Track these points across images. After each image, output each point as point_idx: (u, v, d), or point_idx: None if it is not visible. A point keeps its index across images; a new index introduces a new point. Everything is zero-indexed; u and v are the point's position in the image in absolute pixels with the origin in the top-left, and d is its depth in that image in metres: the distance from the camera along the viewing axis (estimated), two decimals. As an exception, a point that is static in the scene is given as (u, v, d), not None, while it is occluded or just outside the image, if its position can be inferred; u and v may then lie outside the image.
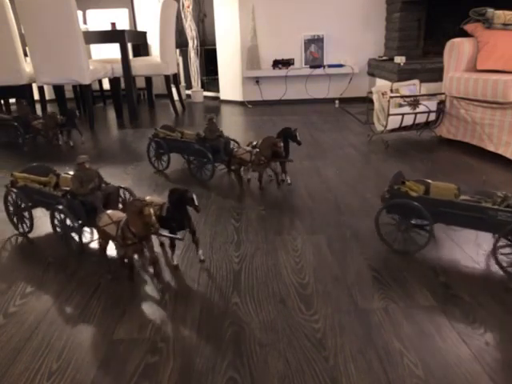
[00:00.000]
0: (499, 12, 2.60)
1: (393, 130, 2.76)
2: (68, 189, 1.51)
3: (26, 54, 3.62)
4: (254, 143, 2.10)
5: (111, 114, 4.42)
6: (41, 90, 3.62)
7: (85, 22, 4.97)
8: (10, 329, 1.12)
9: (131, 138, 3.27)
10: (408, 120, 2.69)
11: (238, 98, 4.78)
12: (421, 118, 2.71)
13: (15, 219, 1.67)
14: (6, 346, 1.05)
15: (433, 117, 2.75)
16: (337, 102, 4.45)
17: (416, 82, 2.92)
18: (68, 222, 1.46)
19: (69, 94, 4.65)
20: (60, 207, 1.45)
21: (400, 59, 3.70)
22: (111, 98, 4.43)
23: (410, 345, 1.00)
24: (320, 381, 0.91)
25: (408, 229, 1.43)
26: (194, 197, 1.30)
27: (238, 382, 0.92)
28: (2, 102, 4.17)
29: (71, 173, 1.60)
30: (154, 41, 5.14)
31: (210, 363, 0.97)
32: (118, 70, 3.92)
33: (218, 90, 5.08)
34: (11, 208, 1.66)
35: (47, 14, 3.26)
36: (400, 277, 1.28)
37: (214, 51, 4.90)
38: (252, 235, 1.58)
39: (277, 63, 4.50)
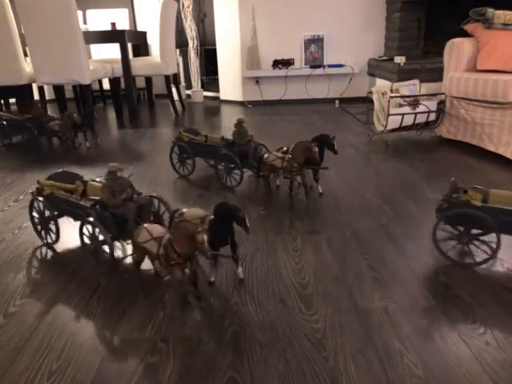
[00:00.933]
0: (499, 12, 2.60)
1: (393, 130, 2.76)
2: (96, 198, 1.41)
3: (26, 54, 3.62)
4: (285, 149, 1.97)
5: (111, 114, 4.43)
6: (41, 90, 3.62)
7: (85, 22, 4.97)
8: (9, 329, 1.12)
9: (131, 138, 3.27)
10: (408, 120, 2.69)
11: (238, 98, 4.78)
12: (421, 118, 2.71)
13: (40, 229, 1.56)
14: (5, 346, 1.05)
15: (433, 117, 2.75)
16: (337, 101, 4.45)
17: (416, 81, 2.92)
18: (99, 235, 1.35)
19: (69, 93, 4.65)
20: (90, 219, 1.33)
21: (400, 59, 3.70)
22: (111, 97, 4.43)
23: (410, 345, 1.00)
24: (320, 381, 0.91)
25: (471, 241, 1.32)
26: (246, 217, 1.18)
27: (238, 381, 0.92)
28: (3, 101, 4.16)
29: (98, 179, 1.55)
30: (154, 41, 5.14)
31: (209, 363, 0.97)
32: (118, 70, 3.92)
33: (218, 90, 5.08)
34: (36, 217, 1.56)
35: (47, 14, 3.26)
36: (400, 277, 1.28)
37: (214, 51, 4.90)
38: (252, 235, 1.58)
39: (277, 63, 4.50)
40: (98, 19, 4.94)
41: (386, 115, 2.68)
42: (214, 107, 4.68)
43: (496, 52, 2.55)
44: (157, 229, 1.18)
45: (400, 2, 3.94)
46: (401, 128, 2.73)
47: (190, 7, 4.91)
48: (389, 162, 2.44)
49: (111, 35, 3.81)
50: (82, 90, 4.12)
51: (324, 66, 4.45)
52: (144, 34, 4.69)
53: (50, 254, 1.52)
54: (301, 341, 1.02)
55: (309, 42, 4.48)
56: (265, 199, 1.95)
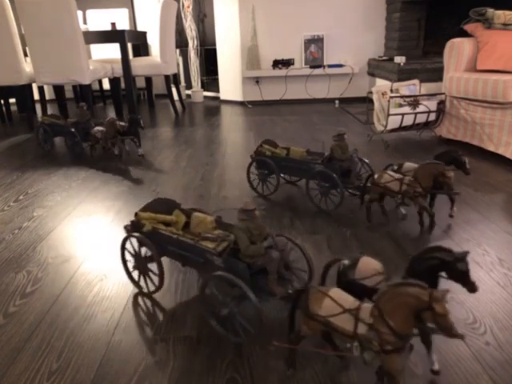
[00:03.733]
0: (499, 12, 2.61)
1: (393, 130, 2.76)
2: (210, 235, 1.10)
3: (26, 54, 3.62)
4: (395, 167, 1.69)
5: (111, 114, 4.42)
6: (41, 90, 3.62)
7: (85, 22, 4.97)
8: (9, 329, 1.12)
9: (131, 138, 3.27)
10: (408, 120, 2.69)
11: (238, 97, 4.78)
12: (421, 118, 2.71)
13: (137, 274, 1.26)
14: (5, 346, 1.05)
15: (433, 117, 2.75)
16: (337, 102, 4.45)
17: (416, 81, 2.93)
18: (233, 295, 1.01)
19: (69, 93, 4.66)
20: (221, 274, 1.00)
21: (400, 59, 3.70)
22: (111, 97, 4.43)
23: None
24: (320, 381, 0.91)
25: None
26: (468, 265, 0.82)
27: (238, 381, 0.92)
28: (2, 102, 4.16)
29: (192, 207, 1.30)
30: (154, 41, 5.14)
31: (210, 363, 0.97)
32: (118, 70, 3.92)
33: (218, 90, 5.08)
34: (130, 258, 1.25)
35: (47, 14, 3.26)
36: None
37: (214, 51, 4.90)
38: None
39: (277, 63, 4.50)
40: (98, 19, 4.94)
41: (386, 115, 2.68)
42: (214, 107, 4.68)
43: (496, 52, 2.55)
44: (345, 296, 0.84)
45: (400, 2, 3.94)
46: (401, 128, 2.73)
47: (190, 7, 4.91)
48: (389, 162, 2.43)
49: (111, 35, 3.81)
50: (82, 90, 4.12)
51: (324, 66, 4.45)
52: (144, 34, 4.69)
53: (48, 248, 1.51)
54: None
55: (309, 42, 4.48)
56: (265, 199, 1.95)
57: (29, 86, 3.81)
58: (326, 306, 0.82)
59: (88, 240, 1.60)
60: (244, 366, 0.96)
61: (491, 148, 2.40)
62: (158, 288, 1.21)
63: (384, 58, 4.21)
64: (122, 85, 4.06)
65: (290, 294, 0.99)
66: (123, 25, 4.92)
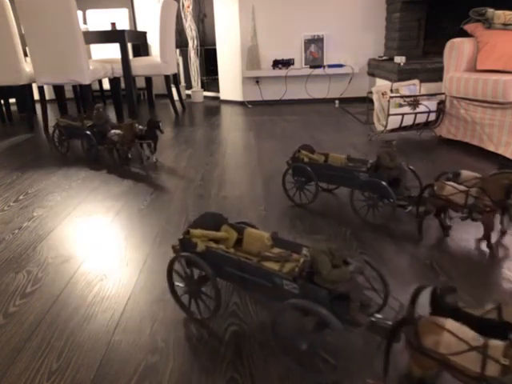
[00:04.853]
0: (499, 12, 2.61)
1: (393, 130, 2.76)
2: (271, 255, 1.01)
3: (26, 54, 3.62)
4: (450, 175, 1.52)
5: (111, 114, 4.43)
6: (41, 90, 3.62)
7: (85, 22, 4.97)
8: (9, 329, 1.12)
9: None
10: (408, 120, 2.69)
11: (238, 97, 4.78)
12: (421, 118, 2.71)
13: (189, 298, 1.13)
14: (5, 346, 1.05)
15: (433, 117, 2.75)
16: (337, 102, 4.46)
17: (416, 81, 2.93)
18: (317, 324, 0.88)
19: (69, 93, 4.66)
20: (301, 302, 0.88)
21: (400, 59, 3.70)
22: (111, 97, 4.44)
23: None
24: (320, 381, 0.91)
25: None
26: None
27: (238, 381, 0.92)
28: (2, 102, 4.16)
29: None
30: (154, 41, 5.14)
31: (210, 363, 0.97)
32: (118, 70, 3.93)
33: (218, 90, 5.08)
34: (179, 281, 1.13)
35: (47, 14, 3.26)
36: (400, 277, 1.28)
37: (214, 51, 4.90)
38: (252, 235, 1.58)
39: (277, 63, 4.50)
40: (98, 19, 4.94)
41: (386, 115, 2.68)
42: (214, 107, 4.68)
43: (496, 52, 2.55)
44: (463, 329, 0.73)
45: (400, 2, 3.94)
46: (401, 128, 2.73)
47: (190, 7, 4.91)
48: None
49: (111, 35, 3.81)
50: (82, 90, 4.12)
51: (324, 66, 4.45)
52: (144, 34, 4.69)
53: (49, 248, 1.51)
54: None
55: (309, 42, 4.48)
56: (265, 199, 1.95)
57: (29, 86, 3.82)
58: (446, 341, 0.71)
59: (88, 240, 1.60)
60: (244, 366, 0.96)
61: (491, 148, 2.40)
62: (215, 311, 1.08)
63: (384, 58, 4.21)
64: (122, 85, 4.06)
65: (374, 323, 0.88)
66: (123, 25, 4.92)
